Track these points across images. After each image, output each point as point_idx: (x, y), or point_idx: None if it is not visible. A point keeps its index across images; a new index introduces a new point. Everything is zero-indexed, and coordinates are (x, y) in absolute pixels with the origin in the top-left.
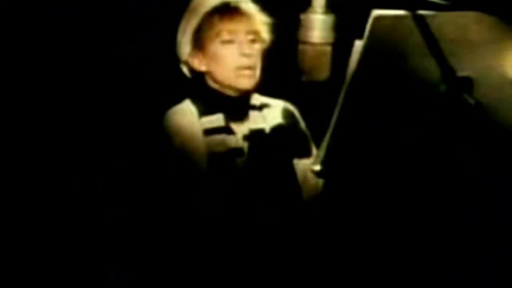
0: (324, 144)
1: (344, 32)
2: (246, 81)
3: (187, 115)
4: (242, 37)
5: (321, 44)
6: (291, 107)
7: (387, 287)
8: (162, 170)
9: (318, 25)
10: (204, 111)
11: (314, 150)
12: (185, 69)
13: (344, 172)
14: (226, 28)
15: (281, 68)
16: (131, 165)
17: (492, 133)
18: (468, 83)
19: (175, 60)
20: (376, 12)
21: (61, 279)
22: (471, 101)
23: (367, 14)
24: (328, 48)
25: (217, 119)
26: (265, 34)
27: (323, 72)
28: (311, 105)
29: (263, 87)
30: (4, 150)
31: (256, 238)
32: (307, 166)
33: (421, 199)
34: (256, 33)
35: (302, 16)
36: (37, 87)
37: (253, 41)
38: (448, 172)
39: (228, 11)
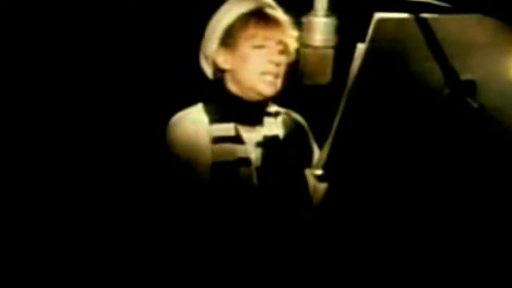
0: (326, 148)
1: (346, 35)
2: (268, 88)
3: (193, 122)
4: (273, 45)
5: (323, 47)
6: (301, 117)
7: None
8: (164, 176)
9: (320, 28)
10: (216, 116)
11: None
12: (205, 66)
13: (345, 176)
14: (260, 33)
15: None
16: (137, 167)
17: (496, 137)
18: (471, 87)
19: (195, 60)
20: (379, 15)
21: (60, 279)
22: (475, 105)
23: (370, 17)
24: (330, 51)
25: (226, 128)
26: (293, 48)
27: (325, 75)
28: (313, 108)
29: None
30: (4, 150)
31: (264, 244)
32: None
33: (423, 203)
34: (285, 44)
35: (304, 19)
36: (35, 88)
37: (282, 51)
38: (451, 176)
39: (264, 17)
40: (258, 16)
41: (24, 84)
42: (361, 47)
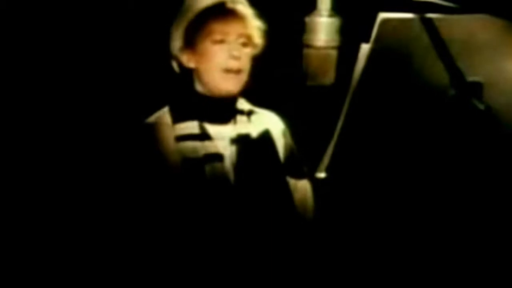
0: (329, 150)
1: (350, 36)
2: (231, 85)
3: (160, 126)
4: (233, 39)
5: (326, 47)
6: (278, 117)
7: None
8: (134, 181)
9: (323, 29)
10: (181, 116)
11: (301, 163)
12: (174, 64)
13: (349, 179)
14: (218, 28)
15: (285, 72)
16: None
17: (502, 138)
18: (477, 88)
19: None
20: (383, 15)
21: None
22: (481, 106)
23: (374, 17)
24: (334, 52)
25: (190, 126)
26: (258, 39)
27: (329, 76)
28: (316, 109)
29: (267, 92)
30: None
31: (240, 243)
32: (296, 177)
33: (429, 206)
34: (248, 37)
35: (307, 19)
36: (34, 88)
37: (244, 44)
38: (457, 177)
39: (223, 12)
40: (217, 11)
41: (23, 84)
42: (365, 48)
